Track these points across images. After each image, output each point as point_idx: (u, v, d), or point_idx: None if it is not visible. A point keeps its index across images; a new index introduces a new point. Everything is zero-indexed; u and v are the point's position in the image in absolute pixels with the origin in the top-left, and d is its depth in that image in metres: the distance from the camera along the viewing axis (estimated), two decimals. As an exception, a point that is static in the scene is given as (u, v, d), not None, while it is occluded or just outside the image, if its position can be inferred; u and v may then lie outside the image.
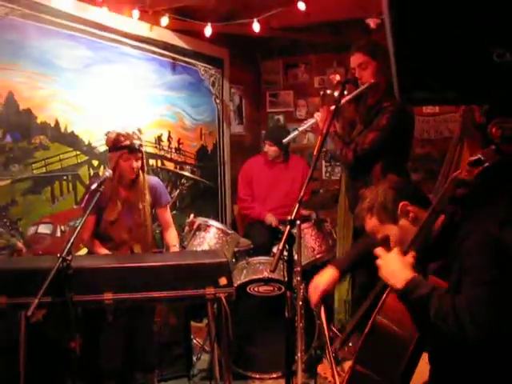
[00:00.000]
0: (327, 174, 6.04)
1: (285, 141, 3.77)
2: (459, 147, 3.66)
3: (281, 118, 6.24)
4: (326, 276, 2.41)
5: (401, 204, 1.98)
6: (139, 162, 3.31)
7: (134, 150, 3.24)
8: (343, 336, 2.21)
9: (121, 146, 3.23)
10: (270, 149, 4.83)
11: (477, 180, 1.82)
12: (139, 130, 4.04)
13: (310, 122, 3.43)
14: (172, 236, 3.61)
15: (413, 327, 1.80)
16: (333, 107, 2.83)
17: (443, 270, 1.90)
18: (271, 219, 4.63)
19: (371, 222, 2.06)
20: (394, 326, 1.82)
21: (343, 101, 3.17)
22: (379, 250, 1.94)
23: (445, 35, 1.38)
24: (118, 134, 3.25)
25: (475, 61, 1.38)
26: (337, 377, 2.10)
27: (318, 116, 3.39)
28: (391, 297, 1.86)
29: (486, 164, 1.80)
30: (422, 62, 1.40)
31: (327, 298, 2.53)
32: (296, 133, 3.55)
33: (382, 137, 3.20)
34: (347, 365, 2.08)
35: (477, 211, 1.95)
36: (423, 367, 2.12)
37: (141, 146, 3.31)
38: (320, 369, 2.26)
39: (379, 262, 1.91)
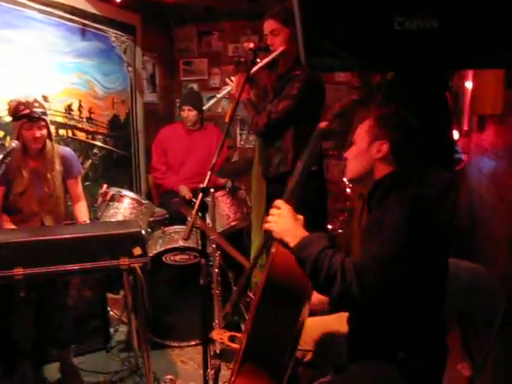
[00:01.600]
0: (242, 142, 6.07)
1: (205, 108, 3.75)
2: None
3: (195, 86, 6.17)
4: None
5: (380, 142, 1.95)
6: (44, 131, 3.19)
7: (35, 119, 3.13)
8: (233, 299, 2.23)
9: (21, 115, 3.11)
10: (190, 114, 4.78)
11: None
12: (44, 98, 3.89)
13: (227, 89, 3.42)
14: (82, 210, 3.52)
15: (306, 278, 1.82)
16: (246, 75, 2.84)
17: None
18: (185, 192, 4.61)
19: (362, 127, 2.03)
20: (288, 279, 1.84)
21: (255, 68, 3.17)
22: (277, 203, 1.96)
23: (348, 3, 1.41)
24: (18, 103, 3.13)
25: (377, 29, 1.42)
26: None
27: (231, 82, 3.38)
28: (281, 251, 1.87)
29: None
30: (326, 29, 1.42)
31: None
32: (214, 100, 3.53)
33: (293, 105, 3.23)
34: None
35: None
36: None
37: (44, 114, 3.19)
38: (215, 334, 2.27)
39: (272, 217, 1.92)
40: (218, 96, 3.48)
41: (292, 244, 1.82)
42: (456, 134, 4.53)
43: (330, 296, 1.77)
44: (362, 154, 1.99)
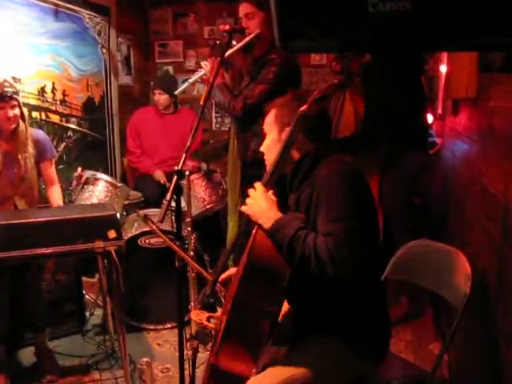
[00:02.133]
0: (217, 125, 6.05)
1: (177, 92, 3.71)
2: (342, 95, 3.77)
3: (170, 68, 6.13)
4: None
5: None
6: (16, 110, 3.15)
7: (6, 98, 3.08)
8: (212, 280, 2.22)
9: None
10: (161, 97, 4.75)
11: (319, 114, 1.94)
12: (14, 79, 3.83)
13: (200, 73, 3.39)
14: (56, 194, 3.49)
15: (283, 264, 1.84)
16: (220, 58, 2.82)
17: (298, 202, 2.00)
18: (160, 176, 4.59)
19: (270, 116, 2.09)
20: (268, 259, 1.85)
21: (229, 52, 3.15)
22: (256, 185, 1.97)
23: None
24: None
25: (352, 11, 1.42)
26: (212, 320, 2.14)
27: (206, 66, 3.35)
28: (260, 234, 1.88)
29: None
30: (301, 11, 1.41)
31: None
32: (186, 84, 3.50)
33: (269, 89, 3.21)
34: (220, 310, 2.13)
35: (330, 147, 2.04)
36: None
37: (15, 93, 3.15)
38: (193, 315, 2.28)
39: (248, 200, 1.94)
40: (191, 80, 3.45)
41: (266, 226, 1.83)
42: (430, 118, 4.58)
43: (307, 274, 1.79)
44: (275, 143, 2.03)
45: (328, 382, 1.96)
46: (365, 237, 1.79)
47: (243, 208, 1.95)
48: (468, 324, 2.20)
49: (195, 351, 2.26)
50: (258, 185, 1.96)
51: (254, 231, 1.90)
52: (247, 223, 1.96)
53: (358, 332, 1.96)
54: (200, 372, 3.12)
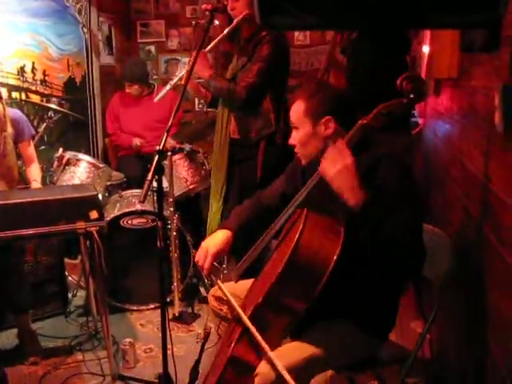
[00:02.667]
0: (200, 106, 6.02)
1: (156, 99, 3.66)
2: (326, 77, 3.76)
3: (152, 48, 6.06)
4: (218, 238, 2.23)
5: (328, 117, 1.97)
6: None
7: None
8: (240, 269, 2.18)
9: None
10: (132, 88, 4.71)
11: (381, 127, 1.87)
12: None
13: (181, 73, 3.34)
14: (34, 171, 3.45)
15: (330, 252, 1.80)
16: (203, 50, 2.80)
17: None
18: (136, 141, 4.58)
19: (297, 107, 2.03)
20: (312, 258, 1.81)
21: (217, 40, 3.13)
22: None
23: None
24: None
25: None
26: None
27: (183, 70, 3.30)
28: (311, 221, 1.85)
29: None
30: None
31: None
32: (168, 88, 3.44)
33: (267, 66, 3.19)
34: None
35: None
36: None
37: None
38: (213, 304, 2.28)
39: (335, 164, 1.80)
40: (172, 83, 3.39)
41: (353, 203, 1.75)
42: (413, 98, 4.58)
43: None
44: (311, 136, 2.01)
45: (340, 360, 2.01)
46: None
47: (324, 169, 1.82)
48: (449, 303, 2.22)
49: (207, 334, 2.24)
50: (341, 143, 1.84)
51: (304, 217, 1.85)
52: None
53: (368, 314, 2.00)
54: (183, 352, 3.16)
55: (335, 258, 1.78)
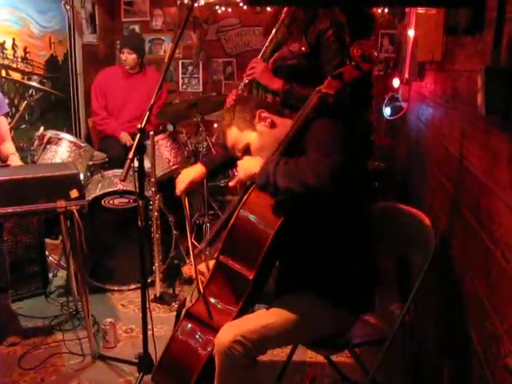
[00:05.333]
0: (184, 86, 5.97)
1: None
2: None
3: (136, 27, 5.98)
4: (194, 170, 2.47)
5: (258, 112, 2.08)
6: None
7: None
8: (210, 236, 2.26)
9: None
10: (129, 57, 4.63)
11: (337, 93, 1.95)
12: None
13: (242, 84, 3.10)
14: (9, 146, 3.35)
15: (272, 220, 1.93)
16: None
17: None
18: (125, 138, 4.52)
19: (231, 133, 2.13)
20: (256, 219, 1.96)
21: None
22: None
23: None
24: None
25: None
26: (204, 272, 2.19)
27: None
28: (253, 194, 1.99)
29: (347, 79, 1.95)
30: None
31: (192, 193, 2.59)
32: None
33: None
34: (211, 263, 2.17)
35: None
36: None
37: None
38: (186, 270, 2.33)
39: (239, 162, 2.07)
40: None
41: (255, 170, 1.97)
42: (397, 82, 4.59)
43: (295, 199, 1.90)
44: (260, 140, 2.09)
45: (304, 334, 2.06)
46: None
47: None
48: (429, 285, 2.24)
49: (182, 303, 2.28)
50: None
51: (247, 193, 2.00)
52: None
53: (338, 288, 2.03)
54: (164, 332, 3.16)
55: (279, 223, 1.92)
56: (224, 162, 2.52)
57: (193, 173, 2.46)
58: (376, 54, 1.94)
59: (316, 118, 1.98)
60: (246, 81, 2.79)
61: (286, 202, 1.91)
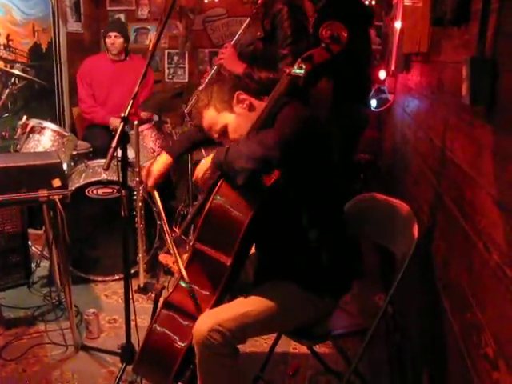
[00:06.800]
0: (170, 76, 5.94)
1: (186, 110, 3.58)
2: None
3: (122, 16, 5.93)
4: (160, 162, 2.48)
5: (236, 93, 2.06)
6: None
7: None
8: (185, 223, 2.26)
9: None
10: (116, 41, 4.59)
11: (308, 75, 1.94)
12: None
13: (214, 69, 3.19)
14: None
15: (247, 206, 1.92)
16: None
17: None
18: (116, 123, 4.47)
19: (208, 115, 2.11)
20: (230, 204, 1.95)
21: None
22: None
23: None
24: None
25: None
26: (179, 260, 2.16)
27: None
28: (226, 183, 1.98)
29: (316, 61, 1.95)
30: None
31: (165, 182, 2.60)
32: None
33: None
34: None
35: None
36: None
37: None
38: (161, 258, 2.29)
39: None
40: (206, 81, 3.22)
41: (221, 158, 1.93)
42: (383, 74, 4.59)
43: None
44: (238, 122, 2.07)
45: (286, 320, 2.05)
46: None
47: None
48: (412, 276, 2.25)
49: (160, 290, 2.27)
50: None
51: (220, 181, 1.98)
52: None
53: (316, 273, 2.03)
54: (147, 323, 3.14)
55: (254, 208, 1.92)
56: (190, 144, 2.53)
57: (159, 165, 2.47)
58: (345, 34, 1.92)
59: (287, 102, 1.97)
60: (216, 65, 2.85)
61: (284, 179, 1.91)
